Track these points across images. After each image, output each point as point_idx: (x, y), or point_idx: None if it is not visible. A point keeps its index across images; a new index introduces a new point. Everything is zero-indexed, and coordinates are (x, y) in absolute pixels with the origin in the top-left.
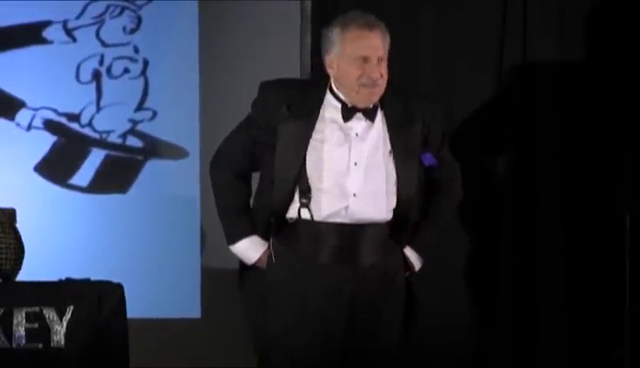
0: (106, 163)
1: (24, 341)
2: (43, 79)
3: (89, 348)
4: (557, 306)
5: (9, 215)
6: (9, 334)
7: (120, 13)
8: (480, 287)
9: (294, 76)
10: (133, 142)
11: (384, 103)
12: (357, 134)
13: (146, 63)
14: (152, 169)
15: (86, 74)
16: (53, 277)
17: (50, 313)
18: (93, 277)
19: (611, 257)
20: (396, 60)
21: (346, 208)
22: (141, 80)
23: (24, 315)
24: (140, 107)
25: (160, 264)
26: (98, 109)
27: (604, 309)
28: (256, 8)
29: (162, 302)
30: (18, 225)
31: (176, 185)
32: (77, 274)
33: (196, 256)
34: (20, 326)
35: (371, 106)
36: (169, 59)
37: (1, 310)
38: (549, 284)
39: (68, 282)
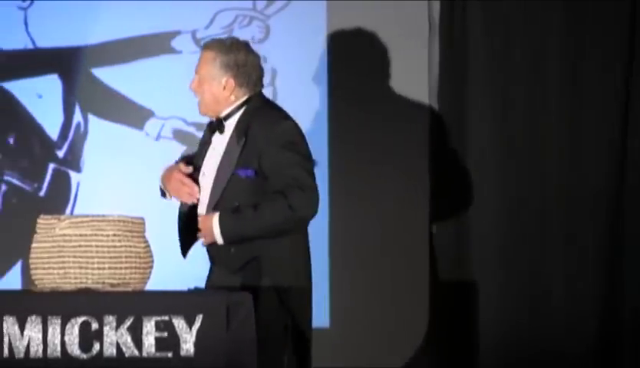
0: None
1: (153, 350)
2: (172, 88)
3: (218, 358)
4: None
5: (139, 224)
6: (139, 343)
7: (249, 23)
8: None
9: (422, 84)
10: None
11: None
12: (214, 148)
13: (274, 72)
14: None
15: None
16: (182, 287)
17: (179, 322)
18: None
19: None
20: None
21: None
22: (270, 90)
23: (153, 324)
24: None
25: None
26: None
27: None
28: (385, 18)
29: None
30: (147, 235)
31: None
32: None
33: (324, 264)
34: (149, 335)
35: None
36: (297, 69)
37: (131, 319)
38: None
39: (197, 291)
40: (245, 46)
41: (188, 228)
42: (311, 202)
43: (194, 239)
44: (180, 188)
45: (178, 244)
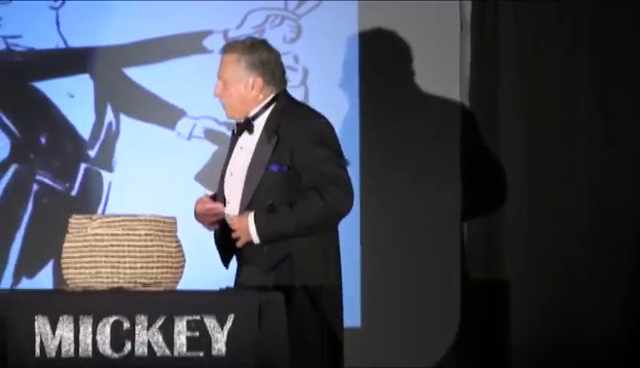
0: None
1: (184, 349)
2: (203, 88)
3: (250, 357)
4: None
5: (170, 223)
6: (170, 343)
7: (280, 23)
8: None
9: (453, 83)
10: None
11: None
12: (241, 147)
13: (306, 72)
14: None
15: None
16: (213, 286)
17: (211, 322)
18: None
19: None
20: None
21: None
22: (301, 90)
23: (185, 324)
24: None
25: None
26: None
27: None
28: (416, 18)
29: None
30: (179, 234)
31: None
32: None
33: (355, 264)
34: (181, 334)
35: (242, 120)
36: (329, 68)
37: (163, 319)
38: None
39: (229, 291)
40: (265, 44)
41: (223, 238)
42: (346, 196)
43: (232, 248)
44: (206, 212)
45: (217, 253)
